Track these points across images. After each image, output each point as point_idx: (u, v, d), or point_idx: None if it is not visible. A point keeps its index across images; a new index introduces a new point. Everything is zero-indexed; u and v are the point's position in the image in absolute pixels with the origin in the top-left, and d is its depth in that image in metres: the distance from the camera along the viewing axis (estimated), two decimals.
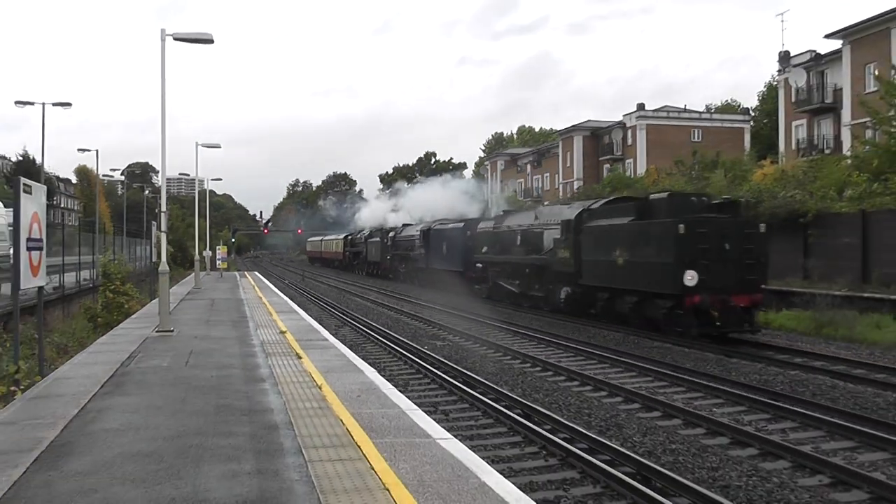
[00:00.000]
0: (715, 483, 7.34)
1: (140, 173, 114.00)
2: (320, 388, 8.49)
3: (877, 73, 32.22)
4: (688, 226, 16.51)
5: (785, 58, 43.54)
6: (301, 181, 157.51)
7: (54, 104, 37.14)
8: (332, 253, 72.47)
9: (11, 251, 10.76)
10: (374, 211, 65.15)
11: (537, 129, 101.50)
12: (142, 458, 5.70)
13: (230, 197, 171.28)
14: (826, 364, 13.93)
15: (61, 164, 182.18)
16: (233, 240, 78.03)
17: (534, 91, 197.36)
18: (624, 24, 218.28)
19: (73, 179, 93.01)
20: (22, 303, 11.37)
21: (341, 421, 6.89)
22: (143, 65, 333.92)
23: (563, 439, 8.57)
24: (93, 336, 17.43)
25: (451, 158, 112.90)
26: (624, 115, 60.72)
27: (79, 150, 53.75)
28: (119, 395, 8.18)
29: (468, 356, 15.40)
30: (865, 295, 19.36)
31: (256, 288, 30.41)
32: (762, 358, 14.49)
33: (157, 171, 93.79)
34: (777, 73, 45.80)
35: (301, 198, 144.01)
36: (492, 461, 7.20)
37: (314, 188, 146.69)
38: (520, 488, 5.45)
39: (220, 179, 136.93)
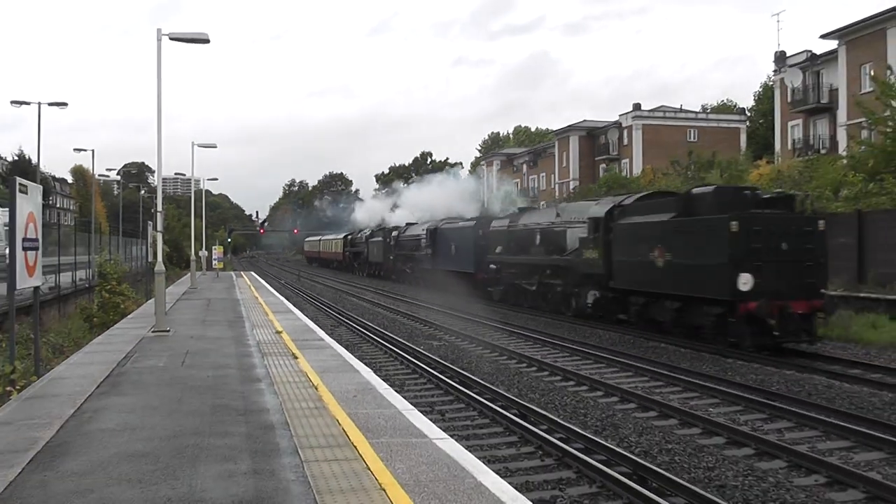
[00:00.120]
0: (711, 483, 7.34)
1: (136, 173, 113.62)
2: (316, 388, 8.49)
3: (872, 73, 32.33)
4: (741, 223, 14.77)
5: (781, 58, 43.58)
6: (297, 181, 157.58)
7: (50, 104, 37.15)
8: (330, 253, 71.31)
9: (7, 251, 10.74)
10: (371, 210, 64.93)
11: (533, 129, 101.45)
12: (138, 458, 5.69)
13: (226, 197, 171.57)
14: (822, 364, 13.95)
15: (57, 164, 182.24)
16: (229, 240, 77.74)
17: (530, 91, 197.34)
18: (620, 24, 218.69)
19: (69, 179, 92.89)
20: (18, 303, 11.33)
21: (337, 421, 6.88)
22: (139, 65, 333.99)
23: (560, 439, 8.57)
24: (89, 336, 17.42)
25: (448, 158, 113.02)
26: (620, 115, 60.71)
27: (75, 149, 53.42)
28: (115, 396, 8.18)
29: (464, 356, 15.41)
30: (861, 295, 19.38)
31: (252, 288, 30.38)
32: (758, 358, 14.52)
33: (154, 171, 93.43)
34: (773, 74, 45.88)
35: (297, 198, 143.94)
36: (488, 461, 7.20)
37: (310, 188, 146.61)
38: (516, 488, 5.45)
39: (217, 179, 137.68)
